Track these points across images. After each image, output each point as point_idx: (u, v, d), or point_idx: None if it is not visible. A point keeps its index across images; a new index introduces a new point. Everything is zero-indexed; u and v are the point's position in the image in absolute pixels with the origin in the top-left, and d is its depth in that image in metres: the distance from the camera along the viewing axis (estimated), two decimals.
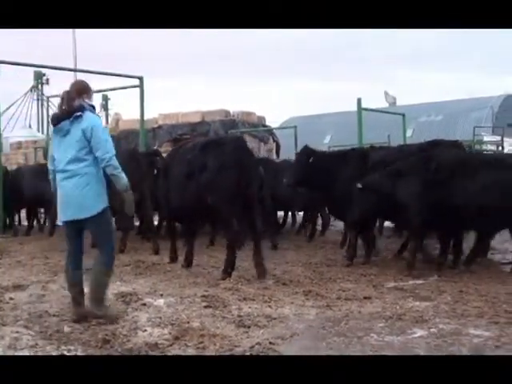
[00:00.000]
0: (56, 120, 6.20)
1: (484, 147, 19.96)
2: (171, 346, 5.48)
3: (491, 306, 6.87)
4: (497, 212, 8.68)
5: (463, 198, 8.59)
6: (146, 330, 5.96)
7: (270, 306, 6.91)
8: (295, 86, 78.89)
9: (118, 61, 66.46)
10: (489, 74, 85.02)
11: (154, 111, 24.70)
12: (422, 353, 5.24)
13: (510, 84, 69.57)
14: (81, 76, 15.21)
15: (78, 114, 6.09)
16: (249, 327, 6.02)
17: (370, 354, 5.22)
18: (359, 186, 9.26)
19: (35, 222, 16.67)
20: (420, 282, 8.41)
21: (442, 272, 9.06)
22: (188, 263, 9.50)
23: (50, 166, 6.42)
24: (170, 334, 5.80)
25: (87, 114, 6.15)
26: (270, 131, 18.58)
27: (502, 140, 21.03)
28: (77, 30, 36.79)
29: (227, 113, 17.25)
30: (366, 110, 16.24)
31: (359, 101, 15.37)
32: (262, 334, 5.80)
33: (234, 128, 16.69)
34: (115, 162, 6.14)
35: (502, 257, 10.96)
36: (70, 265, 6.54)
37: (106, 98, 30.01)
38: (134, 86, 14.99)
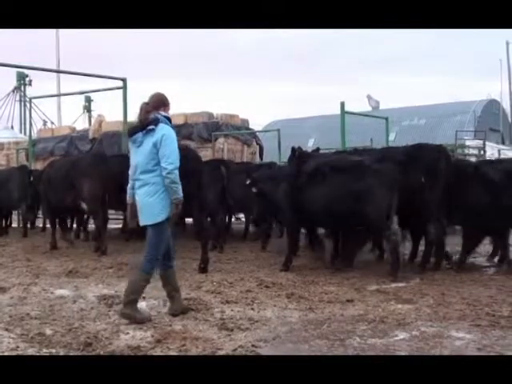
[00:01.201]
0: (131, 132, 6.54)
1: (466, 151, 20.04)
2: (153, 348, 5.46)
3: (473, 308, 6.91)
4: (339, 213, 9.16)
5: (313, 202, 9.30)
6: (128, 333, 5.94)
7: (252, 309, 6.92)
8: (279, 88, 79.17)
9: (101, 62, 66.20)
10: (471, 78, 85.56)
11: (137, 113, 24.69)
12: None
13: (493, 89, 70.19)
14: (63, 77, 15.21)
15: (151, 127, 6.36)
16: (231, 330, 6.02)
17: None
18: (248, 182, 10.35)
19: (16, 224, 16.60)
20: (402, 284, 8.45)
21: (424, 274, 9.11)
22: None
23: (130, 174, 6.66)
24: (152, 336, 5.79)
25: (160, 127, 6.39)
26: (254, 134, 18.55)
27: (484, 144, 21.16)
28: (60, 31, 36.68)
29: (210, 115, 17.18)
30: (349, 113, 16.25)
31: (342, 104, 15.37)
32: (244, 336, 5.80)
33: (217, 130, 16.64)
34: (176, 174, 6.36)
35: (484, 260, 11.02)
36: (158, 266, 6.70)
37: (89, 100, 29.88)
38: (118, 88, 14.93)
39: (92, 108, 30.35)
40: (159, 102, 6.60)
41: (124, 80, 14.68)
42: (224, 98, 73.35)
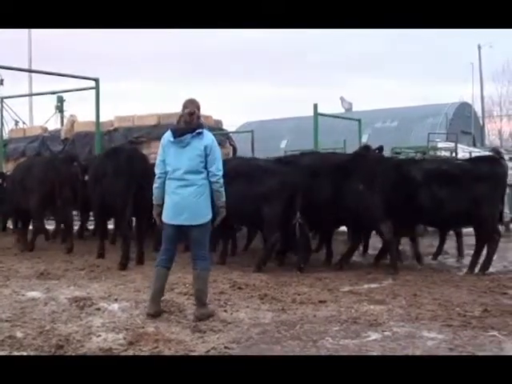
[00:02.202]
0: (180, 132, 6.67)
1: (438, 153, 20.16)
2: (126, 351, 5.43)
3: (444, 309, 6.97)
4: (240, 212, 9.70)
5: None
6: (100, 335, 5.90)
7: (225, 311, 6.91)
8: (253, 90, 78.97)
9: (74, 62, 65.78)
10: (444, 81, 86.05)
11: (110, 113, 24.43)
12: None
13: (464, 92, 70.96)
14: (36, 77, 15.06)
15: (200, 130, 6.66)
16: (204, 332, 6.00)
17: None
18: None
19: None
20: (375, 285, 8.50)
21: (397, 276, 9.18)
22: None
23: (159, 170, 6.81)
24: (124, 339, 5.75)
25: (206, 133, 6.75)
26: (227, 135, 18.51)
27: (456, 146, 21.32)
28: (32, 30, 36.34)
29: None
30: (322, 115, 16.31)
31: (315, 106, 15.43)
32: (217, 338, 5.79)
33: None
34: (222, 180, 6.73)
35: (455, 261, 11.13)
36: (161, 262, 6.84)
37: (61, 100, 29.57)
38: (90, 88, 14.85)
39: (64, 108, 30.05)
40: (199, 110, 6.90)
41: (96, 80, 14.60)
42: (197, 98, 72.99)
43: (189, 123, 6.71)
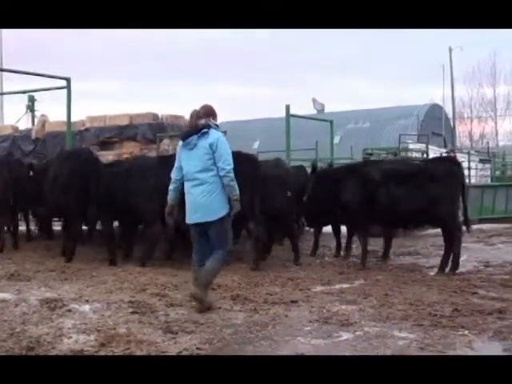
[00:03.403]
0: (185, 135, 7.04)
1: (410, 154, 20.29)
2: (97, 352, 5.39)
3: (415, 309, 7.02)
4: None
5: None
6: (71, 337, 5.85)
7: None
8: (225, 90, 78.92)
9: (45, 61, 65.23)
10: (415, 83, 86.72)
11: (82, 113, 24.24)
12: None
13: (435, 93, 71.66)
14: (7, 76, 14.92)
15: (205, 130, 6.92)
16: (176, 333, 5.98)
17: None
18: None
19: None
20: (346, 285, 8.54)
21: (368, 275, 9.24)
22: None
23: (174, 176, 7.16)
24: (96, 340, 5.71)
25: (212, 131, 6.99)
26: None
27: (427, 147, 21.49)
28: (3, 30, 35.98)
29: (155, 116, 17.01)
30: (294, 116, 16.35)
31: (287, 107, 15.47)
32: (189, 339, 5.78)
33: (162, 131, 16.51)
34: (232, 174, 6.93)
35: (426, 261, 11.22)
36: (195, 263, 7.22)
37: (32, 99, 29.28)
38: (61, 88, 14.72)
39: (36, 108, 29.75)
40: (209, 112, 7.18)
41: (68, 80, 14.47)
42: (169, 98, 72.86)
43: (192, 126, 7.05)
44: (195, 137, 6.95)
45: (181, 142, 7.14)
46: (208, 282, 7.06)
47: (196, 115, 7.09)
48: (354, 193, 10.26)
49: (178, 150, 7.18)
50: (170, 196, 7.21)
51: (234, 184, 6.96)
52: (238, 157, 10.43)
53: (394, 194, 9.89)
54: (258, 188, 9.87)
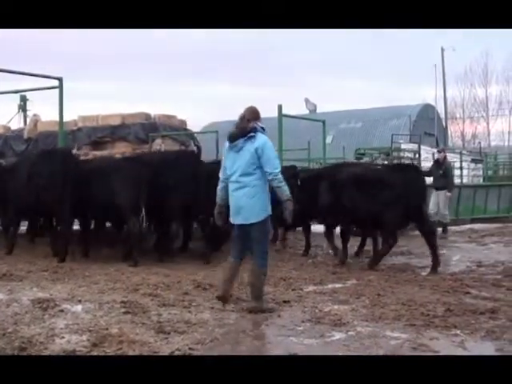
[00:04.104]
0: (233, 138, 7.11)
1: (402, 154, 20.36)
2: (90, 352, 5.38)
3: (408, 309, 7.03)
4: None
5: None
6: (63, 337, 5.83)
7: (189, 312, 6.89)
8: (216, 90, 78.82)
9: (38, 61, 65.11)
10: (407, 83, 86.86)
11: (74, 113, 24.22)
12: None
13: (428, 94, 71.71)
14: None
15: (252, 134, 7.05)
16: (168, 333, 5.97)
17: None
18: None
19: None
20: (339, 285, 8.55)
21: (361, 275, 9.25)
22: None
23: (222, 176, 7.29)
24: (88, 340, 5.70)
25: (259, 135, 7.09)
26: (192, 135, 18.42)
27: (419, 148, 21.55)
28: None
29: (148, 116, 16.99)
30: (286, 116, 16.35)
31: (280, 107, 15.46)
32: (181, 339, 5.77)
33: (154, 131, 16.49)
34: (281, 176, 7.05)
35: (419, 261, 11.24)
36: (233, 254, 7.30)
37: (24, 99, 29.17)
38: (53, 87, 14.67)
39: (28, 108, 29.64)
40: (255, 114, 7.29)
41: (60, 79, 14.42)
42: (162, 98, 72.80)
43: (241, 128, 7.14)
44: (242, 140, 7.07)
45: (227, 143, 7.21)
46: (256, 293, 7.11)
47: (245, 118, 7.21)
48: (324, 195, 10.93)
49: (224, 150, 7.28)
50: (219, 196, 7.31)
51: (284, 185, 7.06)
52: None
53: (354, 197, 10.41)
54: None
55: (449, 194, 16.55)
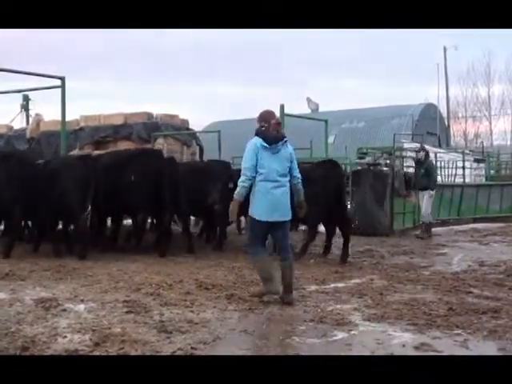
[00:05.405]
0: (273, 140, 7.46)
1: (404, 154, 20.31)
2: (92, 352, 5.38)
3: (410, 308, 7.04)
4: None
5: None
6: (66, 337, 5.84)
7: (192, 311, 6.89)
8: (219, 89, 78.92)
9: (39, 60, 65.19)
10: (409, 82, 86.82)
11: (76, 112, 24.24)
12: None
13: (430, 93, 71.44)
14: (0, 75, 14.79)
15: (286, 139, 7.60)
16: (171, 332, 5.97)
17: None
18: None
19: None
20: (341, 285, 8.55)
21: (363, 274, 9.25)
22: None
23: (251, 173, 7.42)
24: (90, 340, 5.70)
25: (287, 142, 7.65)
26: (194, 135, 18.41)
27: None
28: None
29: (150, 115, 17.00)
30: (288, 115, 16.33)
31: (282, 107, 15.44)
32: (184, 339, 5.77)
33: (156, 131, 16.49)
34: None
35: (421, 260, 11.24)
36: (262, 252, 7.61)
37: (26, 99, 29.21)
38: (56, 87, 14.68)
39: (30, 107, 29.67)
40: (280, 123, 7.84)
41: (62, 79, 14.44)
42: (166, 98, 72.81)
43: (278, 132, 7.53)
44: (280, 143, 7.48)
45: (262, 143, 7.42)
46: (290, 283, 7.57)
47: (278, 123, 7.62)
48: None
49: (254, 149, 7.42)
50: (241, 193, 7.42)
51: (302, 188, 7.77)
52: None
53: None
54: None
55: (431, 192, 16.19)
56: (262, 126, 7.53)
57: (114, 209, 12.16)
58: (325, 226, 11.79)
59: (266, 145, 7.40)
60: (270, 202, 7.39)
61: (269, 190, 7.38)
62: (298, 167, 7.81)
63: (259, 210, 7.40)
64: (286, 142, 7.57)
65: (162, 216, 11.72)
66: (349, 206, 15.07)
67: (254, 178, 7.40)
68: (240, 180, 7.41)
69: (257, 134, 7.53)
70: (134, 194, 11.50)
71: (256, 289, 7.80)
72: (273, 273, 7.52)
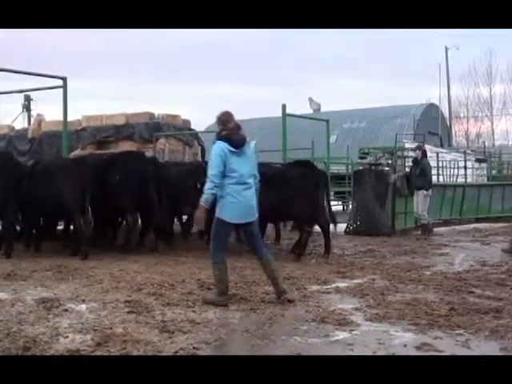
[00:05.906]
0: (240, 143, 7.48)
1: (406, 154, 20.33)
2: (94, 352, 5.38)
3: (412, 308, 7.03)
4: None
5: None
6: (67, 337, 5.85)
7: (193, 311, 6.89)
8: (220, 89, 78.88)
9: (41, 60, 65.19)
10: (411, 82, 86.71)
11: (78, 113, 24.27)
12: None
13: (432, 93, 71.53)
14: (2, 76, 14.82)
15: (248, 140, 7.61)
16: (172, 332, 5.98)
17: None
18: None
19: None
20: (343, 284, 8.54)
21: (364, 274, 9.25)
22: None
23: (218, 180, 7.34)
24: (92, 340, 5.71)
25: (248, 141, 7.65)
26: (196, 135, 18.43)
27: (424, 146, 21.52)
28: None
29: (152, 115, 17.03)
30: (290, 115, 16.35)
31: (284, 107, 15.47)
32: (185, 339, 5.77)
33: (158, 131, 16.51)
34: None
35: (422, 260, 11.23)
36: (224, 258, 7.57)
37: (28, 99, 29.30)
38: (58, 87, 14.70)
39: (32, 107, 29.75)
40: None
41: (64, 79, 14.46)
42: (168, 98, 72.78)
43: (242, 134, 7.60)
44: (245, 145, 7.53)
45: (230, 148, 7.37)
46: (278, 275, 7.77)
47: (237, 125, 7.68)
48: None
49: (221, 155, 7.34)
50: (208, 199, 7.29)
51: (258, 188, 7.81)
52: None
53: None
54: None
55: (426, 192, 15.98)
56: (223, 130, 7.56)
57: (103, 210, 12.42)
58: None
59: (233, 149, 7.39)
60: (243, 204, 7.43)
61: (240, 192, 7.41)
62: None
63: (230, 213, 7.37)
64: (248, 142, 7.59)
65: (150, 216, 12.01)
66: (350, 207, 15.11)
67: (229, 181, 7.37)
68: (207, 187, 7.28)
69: (220, 139, 7.47)
70: (119, 195, 11.80)
71: (209, 296, 7.54)
72: (227, 285, 7.46)
